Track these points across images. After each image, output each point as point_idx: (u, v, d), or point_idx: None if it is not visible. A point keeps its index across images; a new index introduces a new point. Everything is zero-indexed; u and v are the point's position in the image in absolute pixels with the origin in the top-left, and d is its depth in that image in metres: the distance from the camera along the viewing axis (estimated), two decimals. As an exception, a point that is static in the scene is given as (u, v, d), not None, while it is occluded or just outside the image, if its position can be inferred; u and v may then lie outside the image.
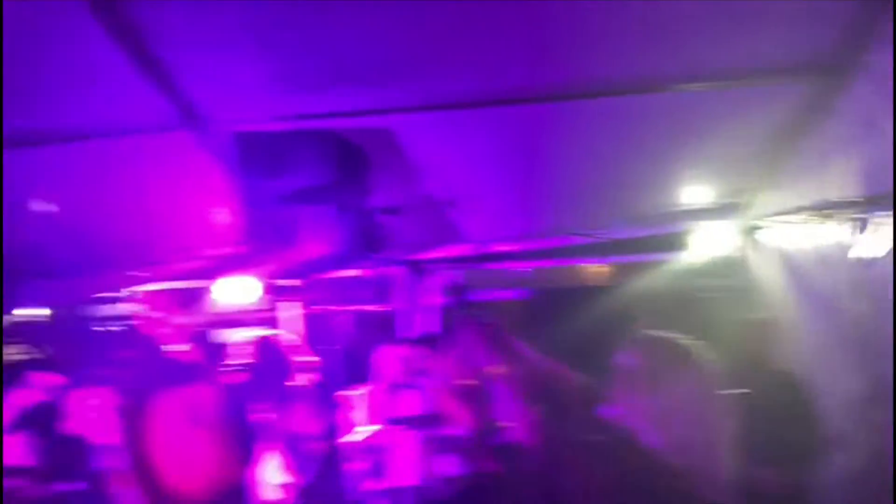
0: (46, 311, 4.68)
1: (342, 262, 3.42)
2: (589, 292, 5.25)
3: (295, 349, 4.06)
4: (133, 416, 1.47)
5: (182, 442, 1.44)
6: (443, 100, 3.12)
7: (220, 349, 4.18)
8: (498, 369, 2.12)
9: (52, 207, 3.68)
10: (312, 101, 3.05)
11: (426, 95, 3.07)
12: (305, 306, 4.66)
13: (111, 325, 5.75)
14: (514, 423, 2.04)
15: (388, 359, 4.11)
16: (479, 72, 2.94)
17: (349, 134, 3.14)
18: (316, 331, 4.34)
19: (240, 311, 4.65)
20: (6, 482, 2.25)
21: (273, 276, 3.48)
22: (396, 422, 4.09)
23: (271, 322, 4.75)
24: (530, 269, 6.43)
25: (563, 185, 3.98)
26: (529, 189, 4.10)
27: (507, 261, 5.40)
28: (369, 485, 3.94)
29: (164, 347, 4.15)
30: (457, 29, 2.65)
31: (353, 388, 4.23)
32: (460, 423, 4.14)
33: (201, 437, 1.44)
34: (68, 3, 2.34)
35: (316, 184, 2.90)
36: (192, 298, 5.55)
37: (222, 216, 3.96)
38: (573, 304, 5.29)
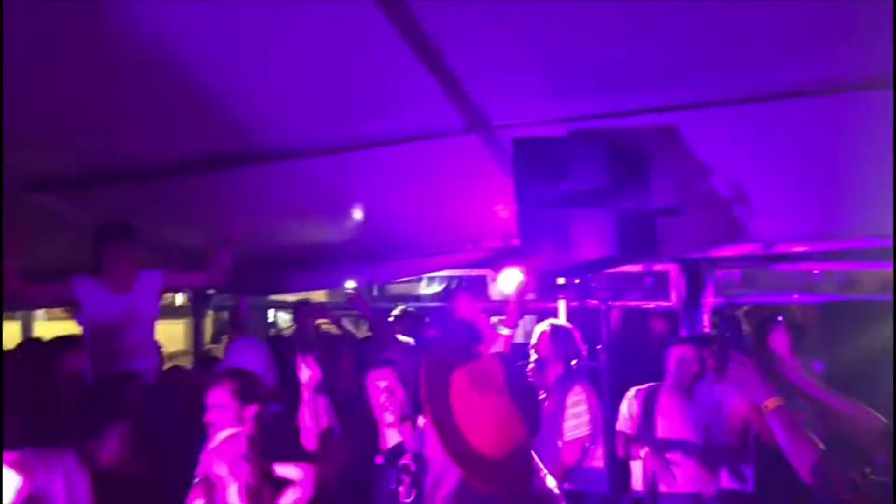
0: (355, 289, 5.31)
1: (616, 263, 3.39)
2: (889, 303, 4.55)
3: (575, 339, 4.18)
4: (433, 388, 1.66)
5: (480, 409, 1.61)
6: (727, 96, 2.95)
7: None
8: (774, 403, 1.95)
9: (361, 205, 4.19)
10: (590, 104, 3.08)
11: (709, 92, 2.93)
12: (578, 302, 4.73)
13: (408, 305, 6.40)
14: (793, 459, 1.88)
15: (673, 358, 4.01)
16: (762, 66, 2.73)
17: (627, 135, 3.11)
18: (588, 326, 4.39)
19: (516, 301, 4.85)
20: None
21: (547, 272, 3.58)
22: (671, 424, 3.98)
23: (547, 314, 4.92)
24: (820, 272, 5.80)
25: (860, 181, 3.52)
26: (822, 186, 3.69)
27: (795, 262, 4.93)
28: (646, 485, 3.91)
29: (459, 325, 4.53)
30: (736, 26, 2.49)
31: (628, 385, 4.22)
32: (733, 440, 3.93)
33: (497, 405, 1.61)
34: (368, 16, 2.57)
35: (592, 187, 2.92)
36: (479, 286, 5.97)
37: (502, 213, 4.18)
38: (870, 315, 4.63)
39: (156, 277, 3.90)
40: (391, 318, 5.84)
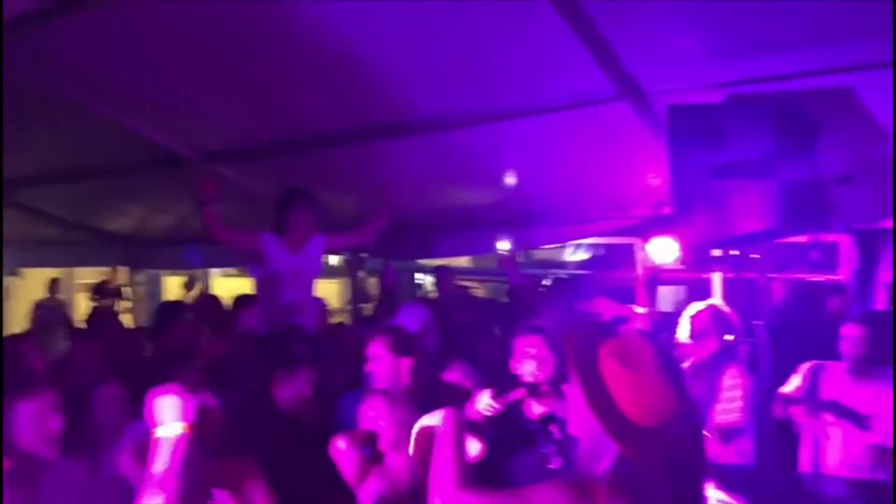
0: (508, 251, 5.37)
1: (779, 235, 3.20)
2: None
3: (731, 317, 3.97)
4: (582, 363, 1.71)
5: (630, 381, 1.66)
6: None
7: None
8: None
9: (508, 172, 4.23)
10: (752, 66, 2.91)
11: (885, 51, 2.67)
12: (734, 274, 4.52)
13: (558, 273, 6.40)
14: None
15: (843, 337, 3.71)
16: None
17: (793, 99, 2.92)
18: (748, 300, 4.19)
19: (667, 271, 4.73)
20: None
21: (702, 242, 3.45)
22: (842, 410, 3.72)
23: (700, 286, 4.73)
24: None
25: None
26: None
27: None
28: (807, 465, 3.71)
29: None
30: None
31: (789, 365, 3.99)
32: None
33: (646, 377, 1.65)
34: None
35: (754, 156, 2.78)
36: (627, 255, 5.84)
37: (655, 181, 4.07)
38: None
39: (321, 240, 4.19)
40: (541, 287, 5.84)
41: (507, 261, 5.44)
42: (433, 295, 8.02)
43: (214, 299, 5.27)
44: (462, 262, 8.79)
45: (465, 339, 4.55)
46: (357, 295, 7.21)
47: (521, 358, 3.06)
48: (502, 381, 2.77)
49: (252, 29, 3.08)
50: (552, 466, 2.64)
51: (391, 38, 3.10)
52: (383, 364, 3.05)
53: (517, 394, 2.59)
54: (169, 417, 1.68)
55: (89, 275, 10.33)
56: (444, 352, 3.99)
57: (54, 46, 3.32)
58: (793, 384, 3.86)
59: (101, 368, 3.30)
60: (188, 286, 9.49)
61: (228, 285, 10.25)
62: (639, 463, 1.63)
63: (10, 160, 5.06)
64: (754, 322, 3.75)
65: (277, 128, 4.13)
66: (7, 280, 10.20)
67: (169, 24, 3.08)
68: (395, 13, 2.90)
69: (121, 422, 2.72)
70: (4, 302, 8.52)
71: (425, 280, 9.26)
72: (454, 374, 3.23)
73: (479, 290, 10.68)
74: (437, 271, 6.39)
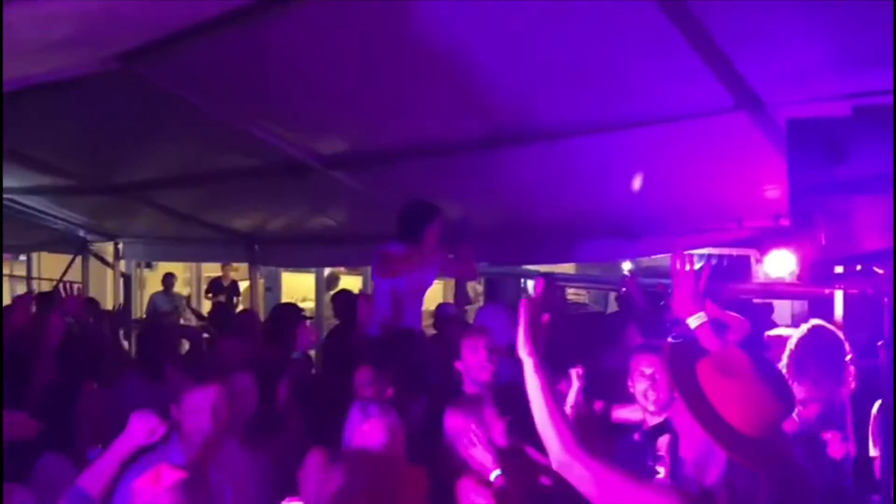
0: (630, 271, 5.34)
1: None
2: None
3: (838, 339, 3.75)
4: (681, 378, 1.74)
5: (731, 391, 1.69)
6: None
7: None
8: None
9: (620, 181, 4.21)
10: (880, 78, 2.79)
11: None
12: (857, 291, 4.30)
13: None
14: None
15: None
16: None
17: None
18: (870, 319, 3.96)
19: (780, 285, 4.56)
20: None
21: (822, 258, 3.32)
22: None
23: (819, 302, 4.53)
24: None
25: None
26: None
27: None
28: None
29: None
30: None
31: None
32: None
33: (747, 386, 1.67)
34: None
35: (879, 171, 2.66)
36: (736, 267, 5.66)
37: (773, 192, 3.95)
38: None
39: (442, 257, 4.31)
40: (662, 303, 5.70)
41: (629, 280, 5.40)
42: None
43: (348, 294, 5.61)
44: (566, 268, 8.76)
45: (557, 347, 4.58)
46: (460, 299, 7.34)
47: (636, 377, 3.07)
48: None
49: (374, 40, 3.25)
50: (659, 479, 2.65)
51: (505, 47, 3.18)
52: (474, 361, 3.22)
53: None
54: None
55: (215, 270, 11.05)
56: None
57: (193, 64, 3.62)
58: None
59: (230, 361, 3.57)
60: (328, 285, 9.90)
61: (295, 281, 10.71)
62: (750, 470, 1.65)
63: (146, 164, 5.55)
64: (878, 342, 3.56)
65: (394, 136, 4.30)
66: (143, 272, 11.08)
67: (293, 40, 3.30)
68: (514, 23, 2.98)
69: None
70: (135, 291, 9.21)
71: (528, 285, 9.31)
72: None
73: (581, 297, 10.59)
74: (538, 279, 6.42)
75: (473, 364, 3.31)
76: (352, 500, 2.39)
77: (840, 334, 3.60)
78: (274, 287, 9.77)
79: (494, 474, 2.64)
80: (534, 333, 1.92)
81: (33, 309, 4.00)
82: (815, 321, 3.78)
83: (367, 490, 2.41)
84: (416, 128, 4.12)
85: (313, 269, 9.36)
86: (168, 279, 10.29)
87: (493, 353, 3.30)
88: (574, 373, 3.17)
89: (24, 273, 11.33)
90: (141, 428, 2.31)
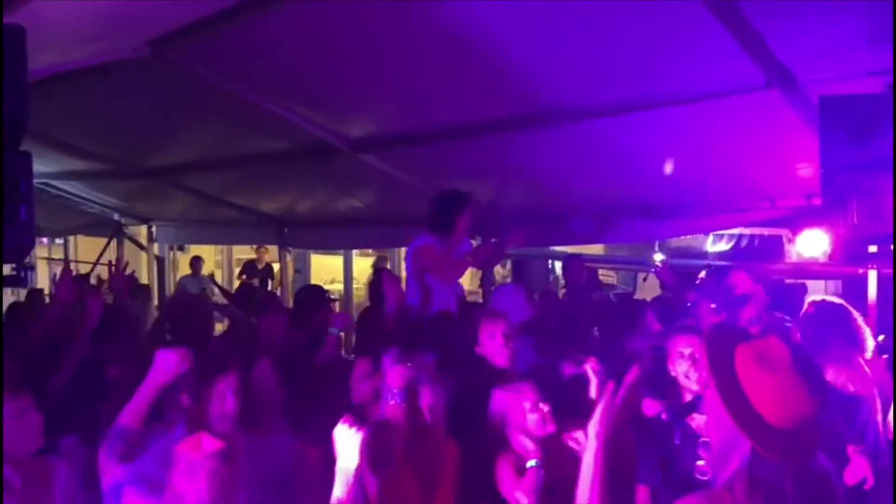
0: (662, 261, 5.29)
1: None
2: None
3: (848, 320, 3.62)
4: (718, 363, 1.74)
5: (766, 382, 1.68)
6: None
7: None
8: None
9: (649, 162, 4.17)
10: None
11: None
12: (888, 271, 4.22)
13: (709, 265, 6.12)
14: None
15: None
16: None
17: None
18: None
19: (813, 265, 4.50)
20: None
21: (855, 237, 3.27)
22: None
23: (853, 282, 4.45)
24: None
25: None
26: None
27: None
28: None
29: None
30: None
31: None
32: None
33: (783, 378, 1.66)
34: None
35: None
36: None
37: (805, 171, 3.88)
38: None
39: (469, 245, 4.35)
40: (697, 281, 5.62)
41: (662, 270, 5.34)
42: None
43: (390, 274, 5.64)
44: (595, 249, 8.69)
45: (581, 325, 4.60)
46: (487, 278, 7.35)
47: (675, 358, 3.04)
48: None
49: (402, 23, 3.26)
50: (702, 478, 2.62)
51: (534, 28, 3.16)
52: (494, 343, 3.26)
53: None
54: None
55: (246, 253, 11.18)
56: (561, 337, 4.02)
57: (225, 49, 3.66)
58: None
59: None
60: (377, 264, 9.95)
61: (325, 263, 10.77)
62: (775, 462, 1.64)
63: (177, 148, 5.63)
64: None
65: (422, 118, 4.30)
66: (175, 254, 11.25)
67: (321, 23, 3.32)
68: (543, 4, 2.96)
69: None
70: (168, 273, 9.35)
71: (555, 266, 9.26)
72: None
73: (610, 278, 10.50)
74: (566, 259, 6.39)
75: (491, 349, 3.30)
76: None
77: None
78: (303, 269, 9.86)
79: (532, 463, 2.65)
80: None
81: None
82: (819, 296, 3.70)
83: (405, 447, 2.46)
84: (444, 110, 4.13)
85: (341, 252, 9.42)
86: (196, 262, 10.42)
87: (510, 339, 3.29)
88: (589, 368, 3.12)
89: (61, 256, 11.60)
90: (166, 362, 2.41)
